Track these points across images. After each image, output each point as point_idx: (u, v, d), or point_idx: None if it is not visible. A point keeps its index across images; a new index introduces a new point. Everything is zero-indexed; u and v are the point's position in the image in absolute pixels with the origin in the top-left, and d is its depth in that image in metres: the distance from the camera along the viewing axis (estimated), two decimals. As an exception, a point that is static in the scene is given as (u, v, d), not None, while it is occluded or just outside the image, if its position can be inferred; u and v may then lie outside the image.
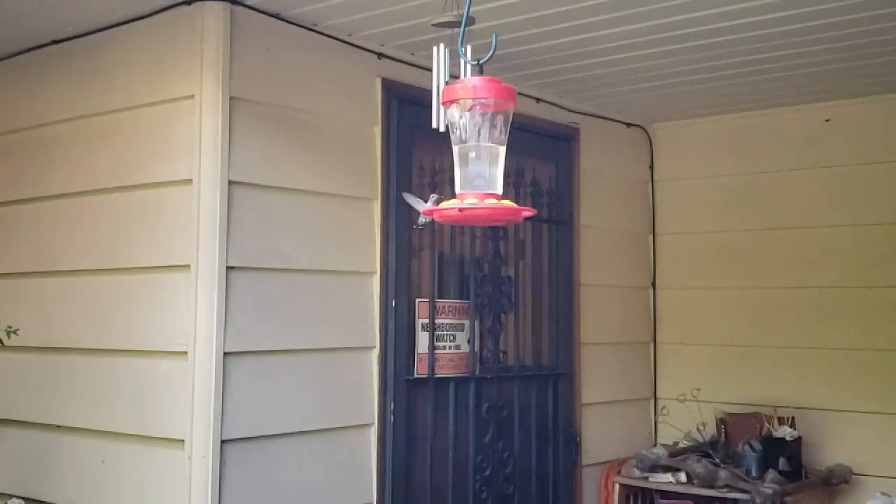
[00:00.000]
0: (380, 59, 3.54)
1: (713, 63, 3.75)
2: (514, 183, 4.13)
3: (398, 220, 3.51)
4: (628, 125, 4.79)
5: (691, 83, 4.08)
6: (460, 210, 1.81)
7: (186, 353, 2.96)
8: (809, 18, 3.18)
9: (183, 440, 2.93)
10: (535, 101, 4.22)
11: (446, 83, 2.43)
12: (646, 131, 4.91)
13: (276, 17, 3.20)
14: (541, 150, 4.27)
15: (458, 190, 1.84)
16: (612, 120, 4.68)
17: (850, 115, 4.33)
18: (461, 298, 3.86)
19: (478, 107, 1.82)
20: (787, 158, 4.51)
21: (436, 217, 1.90)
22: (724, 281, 4.67)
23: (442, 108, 1.95)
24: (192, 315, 2.96)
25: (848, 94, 4.23)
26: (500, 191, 1.85)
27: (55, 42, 3.46)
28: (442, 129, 2.28)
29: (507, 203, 1.84)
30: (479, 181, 1.84)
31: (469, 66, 1.88)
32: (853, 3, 3.04)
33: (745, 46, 3.52)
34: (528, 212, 1.88)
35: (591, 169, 4.51)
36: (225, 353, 2.96)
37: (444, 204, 1.85)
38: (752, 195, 4.61)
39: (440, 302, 3.74)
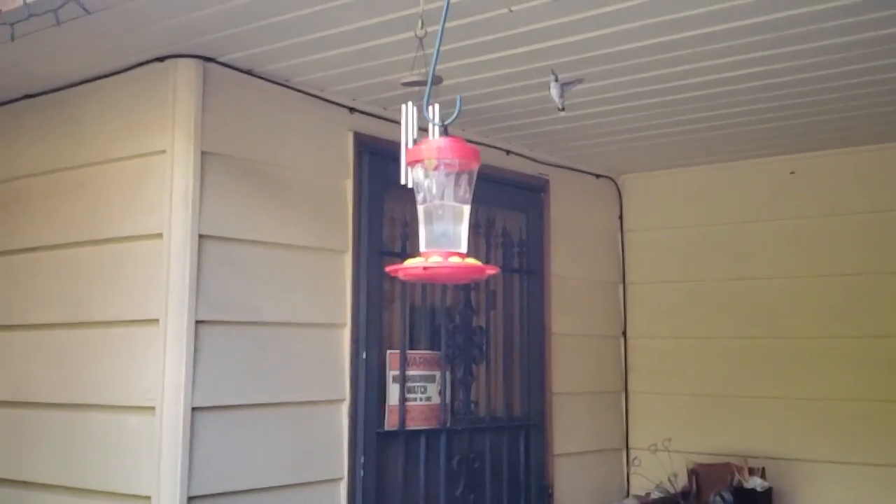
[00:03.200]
0: (352, 113, 3.58)
1: (680, 117, 3.82)
2: (485, 234, 4.16)
3: (369, 272, 3.53)
4: (597, 176, 4.86)
5: (659, 136, 4.15)
6: (424, 269, 1.83)
7: (154, 408, 2.95)
8: (774, 75, 3.25)
9: (150, 497, 2.90)
10: (506, 153, 4.27)
11: (415, 140, 2.47)
12: (615, 182, 4.97)
13: (249, 73, 3.24)
14: (511, 201, 4.31)
15: (422, 248, 1.86)
16: (582, 171, 4.74)
17: (815, 168, 4.41)
18: (432, 349, 3.87)
19: (442, 167, 1.85)
20: (753, 210, 4.58)
21: (400, 275, 1.92)
22: (693, 330, 4.71)
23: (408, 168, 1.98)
24: (160, 369, 2.95)
25: (812, 148, 4.32)
26: (464, 249, 1.88)
27: (28, 97, 3.48)
28: (409, 184, 2.31)
29: (472, 261, 1.86)
30: (444, 240, 1.87)
31: (435, 127, 1.92)
32: (817, 62, 3.11)
33: (711, 101, 3.58)
34: (491, 270, 1.90)
35: (561, 219, 4.56)
36: (193, 408, 2.95)
37: (409, 262, 1.87)
38: (719, 246, 4.67)
39: (411, 353, 3.75)
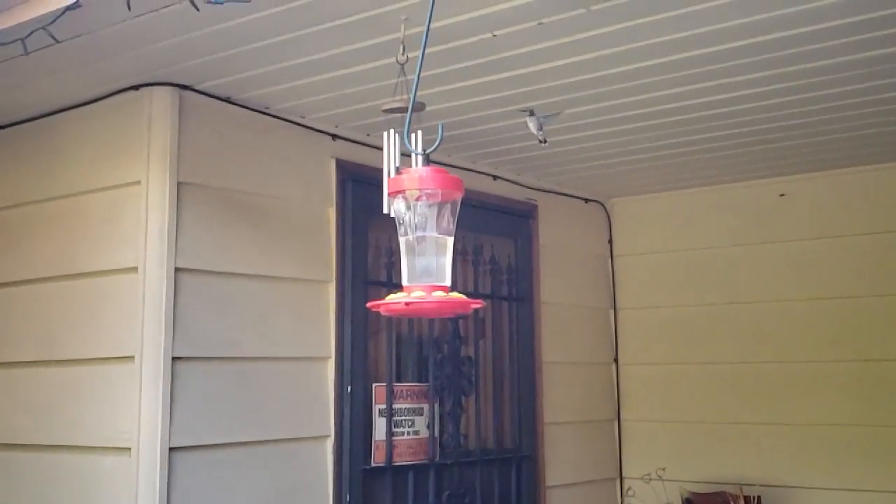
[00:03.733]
0: (334, 140, 3.51)
1: (669, 140, 3.76)
2: (473, 261, 4.08)
3: (354, 302, 3.44)
4: (586, 200, 4.79)
5: (648, 160, 4.09)
6: (406, 304, 1.76)
7: (130, 448, 2.84)
8: (763, 98, 3.20)
9: (126, 541, 2.79)
10: (493, 179, 4.20)
11: (398, 168, 2.39)
12: (604, 206, 4.90)
13: (227, 100, 3.16)
14: (499, 227, 4.23)
15: (404, 282, 1.79)
16: (570, 196, 4.67)
17: (805, 190, 4.36)
18: (420, 381, 3.77)
19: (424, 197, 1.77)
20: (744, 233, 4.52)
21: (382, 311, 1.84)
22: (686, 356, 4.63)
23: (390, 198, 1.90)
24: (135, 409, 2.85)
25: (802, 170, 4.27)
26: (448, 282, 1.80)
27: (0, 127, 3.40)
28: (392, 215, 2.23)
29: (456, 296, 1.79)
30: (427, 273, 1.79)
31: (416, 156, 1.84)
32: (806, 84, 3.06)
33: (700, 124, 3.53)
34: (476, 304, 1.82)
35: (550, 245, 4.48)
36: (170, 449, 2.84)
37: (391, 298, 1.80)
38: (710, 269, 4.61)
39: (398, 386, 3.65)
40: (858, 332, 4.18)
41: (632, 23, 2.54)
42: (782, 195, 4.40)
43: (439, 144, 1.81)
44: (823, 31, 2.61)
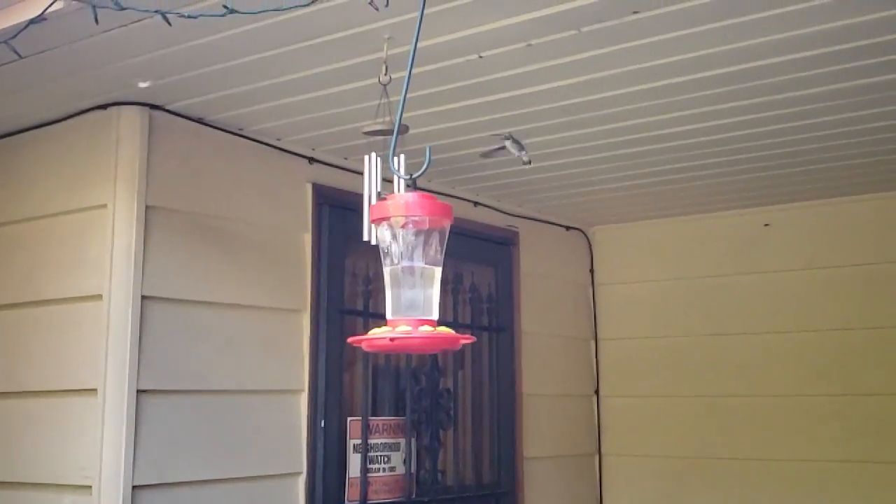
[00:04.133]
0: (311, 163, 3.39)
1: (653, 168, 3.68)
2: (453, 289, 3.96)
3: (329, 333, 3.31)
4: (567, 228, 4.69)
5: (631, 187, 4.01)
6: (391, 340, 1.63)
7: (91, 486, 2.68)
8: (748, 126, 3.13)
9: (84, 587, 2.63)
10: (473, 205, 4.10)
11: (379, 193, 2.28)
12: (585, 234, 4.81)
13: (199, 121, 3.04)
14: (479, 255, 4.13)
15: (388, 316, 1.66)
16: (552, 223, 4.58)
17: (790, 220, 4.29)
18: (396, 415, 3.63)
19: (410, 225, 1.66)
20: (728, 263, 4.44)
21: (364, 347, 1.71)
22: (668, 389, 4.53)
23: (372, 225, 1.79)
24: (97, 444, 2.70)
25: (787, 199, 4.20)
26: (435, 316, 1.68)
27: (-39, 146, 3.25)
28: (374, 242, 2.12)
29: (444, 330, 1.67)
30: (413, 306, 1.67)
31: (401, 181, 1.73)
32: (792, 112, 2.99)
33: (685, 152, 3.46)
34: (466, 340, 1.70)
35: (531, 273, 4.38)
36: (133, 487, 2.69)
37: (374, 332, 1.67)
38: (693, 300, 4.52)
39: (374, 420, 3.51)
40: (844, 366, 4.10)
41: (620, 46, 2.45)
42: (767, 225, 4.34)
43: (426, 168, 1.69)
44: (811, 58, 2.54)
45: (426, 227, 1.66)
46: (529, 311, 4.33)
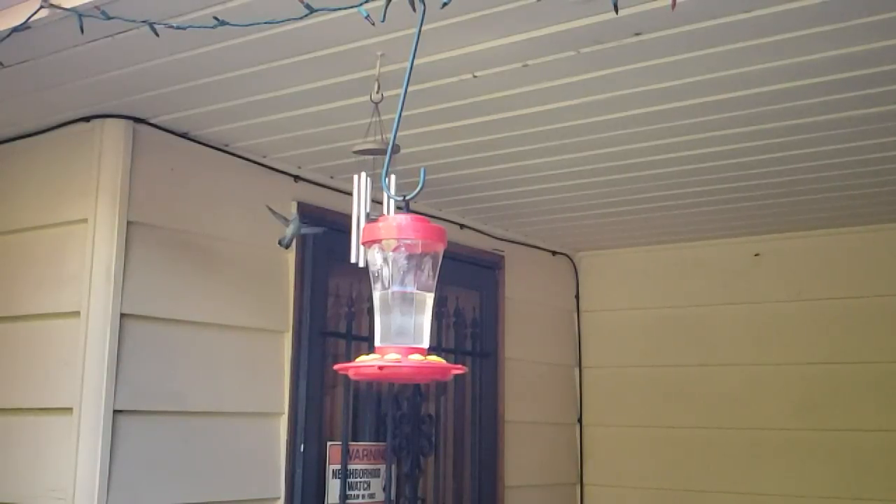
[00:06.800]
0: (296, 181, 3.33)
1: (641, 195, 3.65)
2: (437, 314, 3.90)
3: (311, 355, 3.24)
4: (553, 253, 4.65)
5: (618, 214, 3.97)
6: (380, 368, 1.57)
7: (63, 509, 2.59)
8: (738, 155, 3.11)
9: None
10: (459, 227, 4.05)
11: (368, 214, 2.22)
12: (571, 260, 4.76)
13: (184, 136, 2.97)
14: (464, 279, 4.07)
15: (377, 342, 1.60)
16: (537, 248, 4.53)
17: (780, 251, 4.26)
18: (377, 440, 3.56)
19: (403, 249, 1.60)
20: (716, 292, 4.40)
21: (351, 375, 1.65)
22: (652, 419, 4.47)
23: (362, 247, 1.73)
24: (71, 465, 2.61)
25: (777, 230, 4.17)
26: (426, 344, 1.62)
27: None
28: (361, 264, 2.06)
29: (435, 359, 1.61)
30: (403, 333, 1.60)
31: (393, 202, 1.67)
32: (783, 142, 2.97)
33: (673, 180, 3.42)
34: (457, 370, 1.64)
35: (515, 298, 4.33)
36: (107, 511, 2.61)
37: (362, 360, 1.61)
38: (680, 329, 4.47)
39: (354, 445, 3.44)
40: (831, 400, 4.06)
41: (618, 69, 2.41)
42: (757, 255, 4.30)
43: (420, 190, 1.63)
44: (802, 88, 2.51)
45: (419, 251, 1.60)
46: (513, 337, 4.28)
